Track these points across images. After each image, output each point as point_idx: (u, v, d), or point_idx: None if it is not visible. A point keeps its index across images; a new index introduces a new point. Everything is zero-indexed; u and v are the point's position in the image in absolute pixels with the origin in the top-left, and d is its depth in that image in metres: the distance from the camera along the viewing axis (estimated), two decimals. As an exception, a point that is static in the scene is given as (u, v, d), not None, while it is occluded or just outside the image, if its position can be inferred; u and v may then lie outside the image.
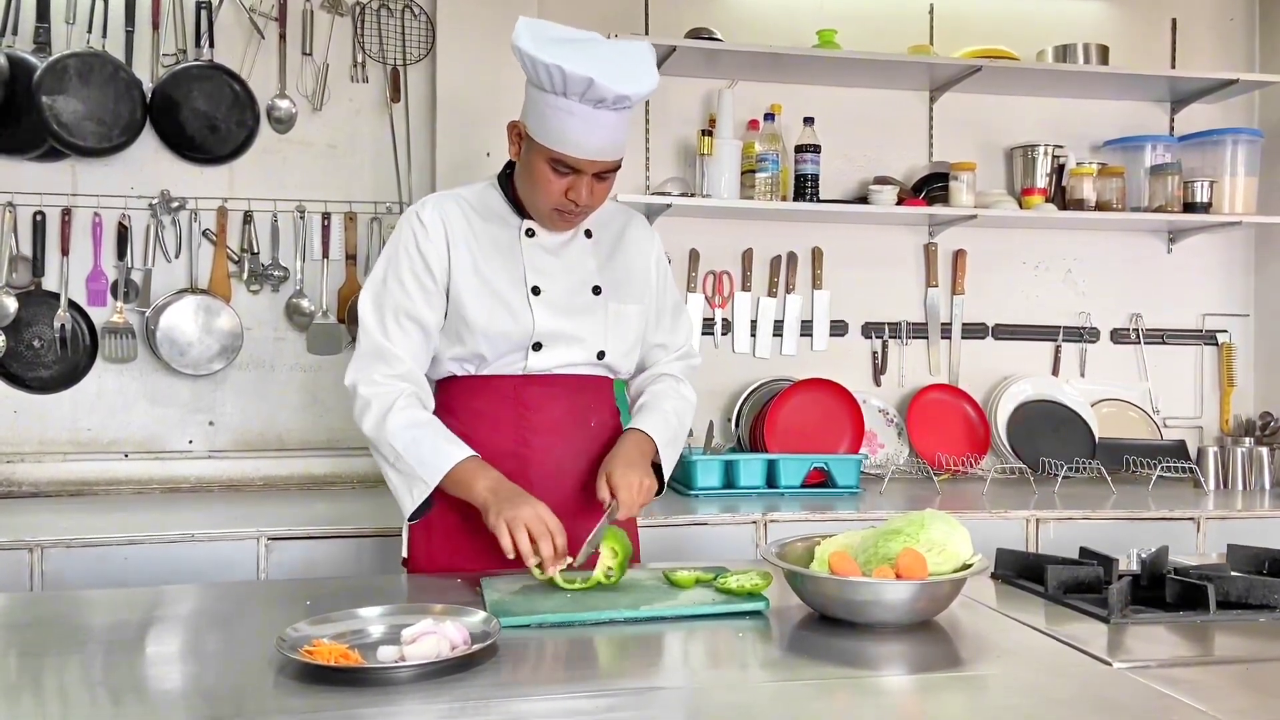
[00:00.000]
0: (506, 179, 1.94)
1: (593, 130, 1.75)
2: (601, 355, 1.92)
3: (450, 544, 1.88)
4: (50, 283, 2.96)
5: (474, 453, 1.79)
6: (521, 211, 1.91)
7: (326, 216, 3.11)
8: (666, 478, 1.95)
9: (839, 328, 3.45)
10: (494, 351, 1.86)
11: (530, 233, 1.90)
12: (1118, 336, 3.62)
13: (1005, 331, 3.56)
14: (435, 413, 1.88)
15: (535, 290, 1.87)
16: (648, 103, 3.30)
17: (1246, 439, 3.35)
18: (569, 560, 1.66)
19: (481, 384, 1.89)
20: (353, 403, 1.85)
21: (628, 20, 3.25)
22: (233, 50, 3.06)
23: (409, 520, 1.85)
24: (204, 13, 3.00)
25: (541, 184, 1.81)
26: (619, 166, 1.83)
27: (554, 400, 1.90)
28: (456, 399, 1.91)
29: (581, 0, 3.24)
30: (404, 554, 1.96)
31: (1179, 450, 3.37)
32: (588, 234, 1.96)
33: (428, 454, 1.78)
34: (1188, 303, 3.66)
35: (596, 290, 1.92)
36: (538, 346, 1.87)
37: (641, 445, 1.91)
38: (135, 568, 2.35)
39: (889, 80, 3.41)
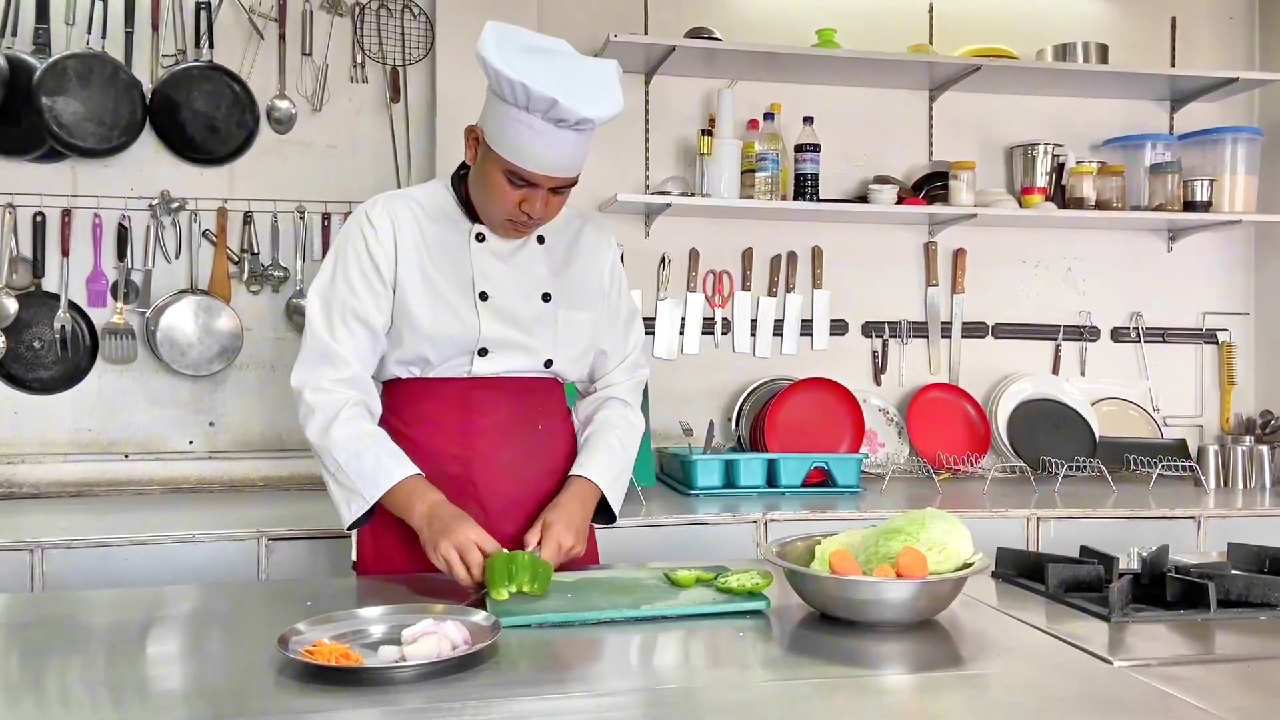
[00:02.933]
0: (459, 180, 1.90)
1: (552, 147, 1.72)
2: (549, 364, 1.89)
3: (399, 545, 1.84)
4: (50, 284, 2.96)
5: (416, 470, 1.76)
6: (473, 215, 1.88)
7: (326, 217, 3.11)
8: (617, 511, 1.93)
9: (839, 327, 3.45)
10: (439, 355, 1.84)
11: (480, 237, 1.87)
12: (1118, 335, 3.62)
13: (1005, 330, 3.56)
14: (382, 414, 1.87)
15: (483, 296, 1.84)
16: (647, 102, 3.30)
17: (1247, 437, 3.35)
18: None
19: (426, 387, 1.87)
20: (297, 406, 1.82)
21: (627, 20, 3.25)
22: (232, 51, 3.06)
23: (348, 529, 1.83)
24: (203, 13, 3.00)
25: (496, 193, 1.78)
26: (576, 181, 1.80)
27: (500, 404, 1.87)
28: (402, 401, 1.90)
29: (581, 0, 3.24)
30: (354, 557, 1.95)
31: (1179, 449, 3.37)
32: (540, 239, 1.92)
33: (369, 469, 1.75)
34: (1188, 301, 3.66)
35: (546, 297, 1.89)
36: (483, 352, 1.84)
37: (586, 500, 1.86)
38: (136, 568, 2.35)
39: (889, 79, 3.41)
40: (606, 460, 1.91)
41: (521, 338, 1.86)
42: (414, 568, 1.81)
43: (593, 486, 1.88)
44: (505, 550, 1.63)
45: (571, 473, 1.90)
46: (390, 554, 1.86)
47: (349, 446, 1.76)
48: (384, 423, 1.87)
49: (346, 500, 1.78)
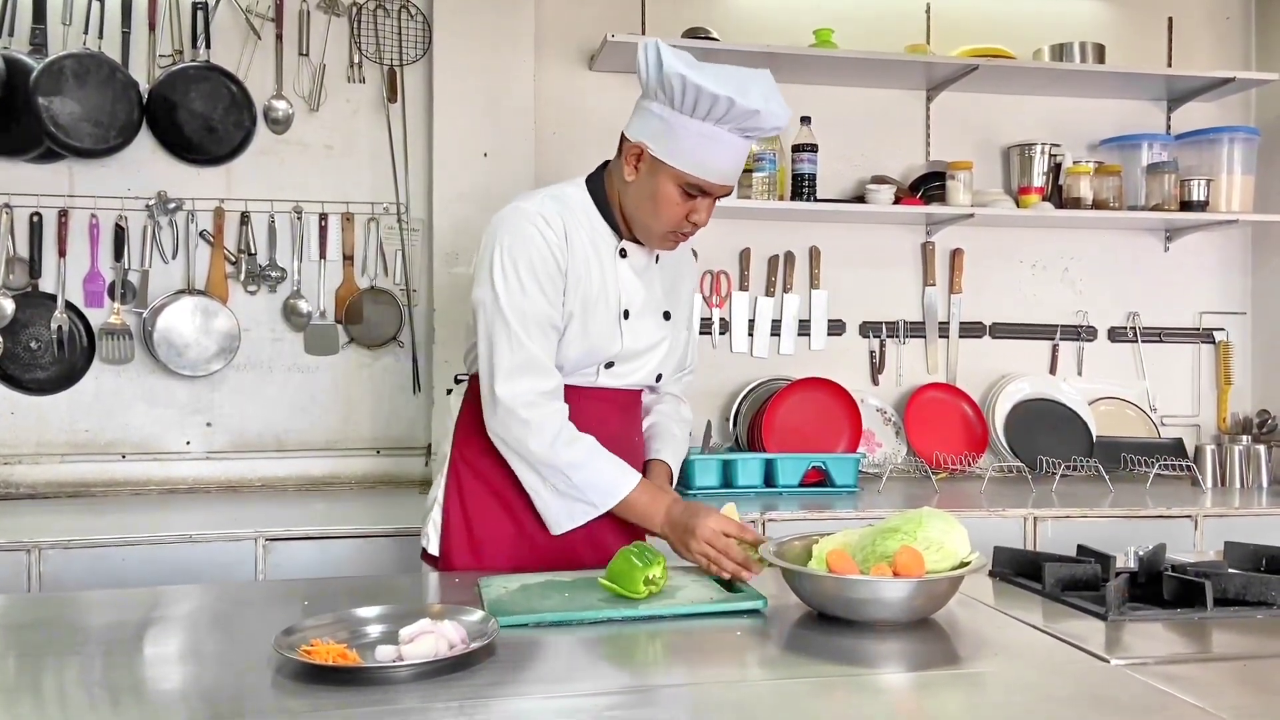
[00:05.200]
0: (596, 188, 1.91)
1: (733, 157, 1.77)
2: (659, 378, 1.98)
3: (488, 540, 1.90)
4: (47, 284, 2.96)
5: (641, 476, 1.83)
6: (613, 228, 1.90)
7: (324, 217, 3.11)
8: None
9: (836, 327, 3.46)
10: (573, 365, 1.87)
11: (623, 253, 1.90)
12: (1115, 335, 3.63)
13: (1003, 330, 3.56)
14: None
15: (626, 313, 1.89)
16: (645, 102, 3.30)
17: (1244, 437, 3.35)
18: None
19: None
20: (507, 418, 1.79)
21: (625, 20, 3.25)
22: (229, 51, 3.05)
23: (556, 534, 1.84)
24: (200, 14, 3.00)
25: (665, 207, 1.79)
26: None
27: (611, 416, 1.92)
28: None
29: (578, 0, 3.24)
30: (433, 550, 1.95)
31: (1176, 448, 3.37)
32: (656, 259, 1.97)
33: (598, 479, 1.80)
34: (1185, 301, 3.66)
35: (667, 315, 1.97)
36: (610, 365, 1.89)
37: (665, 477, 2.00)
38: (133, 569, 2.35)
39: (886, 79, 3.41)
40: (674, 448, 2.05)
41: (645, 354, 1.93)
42: (497, 569, 1.85)
43: (667, 468, 2.02)
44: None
45: (650, 457, 2.02)
46: (479, 547, 1.91)
47: (577, 460, 1.79)
48: None
49: (569, 509, 1.81)
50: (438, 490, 1.98)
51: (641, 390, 2.02)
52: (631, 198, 1.84)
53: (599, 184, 1.91)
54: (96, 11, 2.91)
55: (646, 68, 1.74)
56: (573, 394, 1.87)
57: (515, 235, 1.80)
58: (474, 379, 1.93)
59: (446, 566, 1.93)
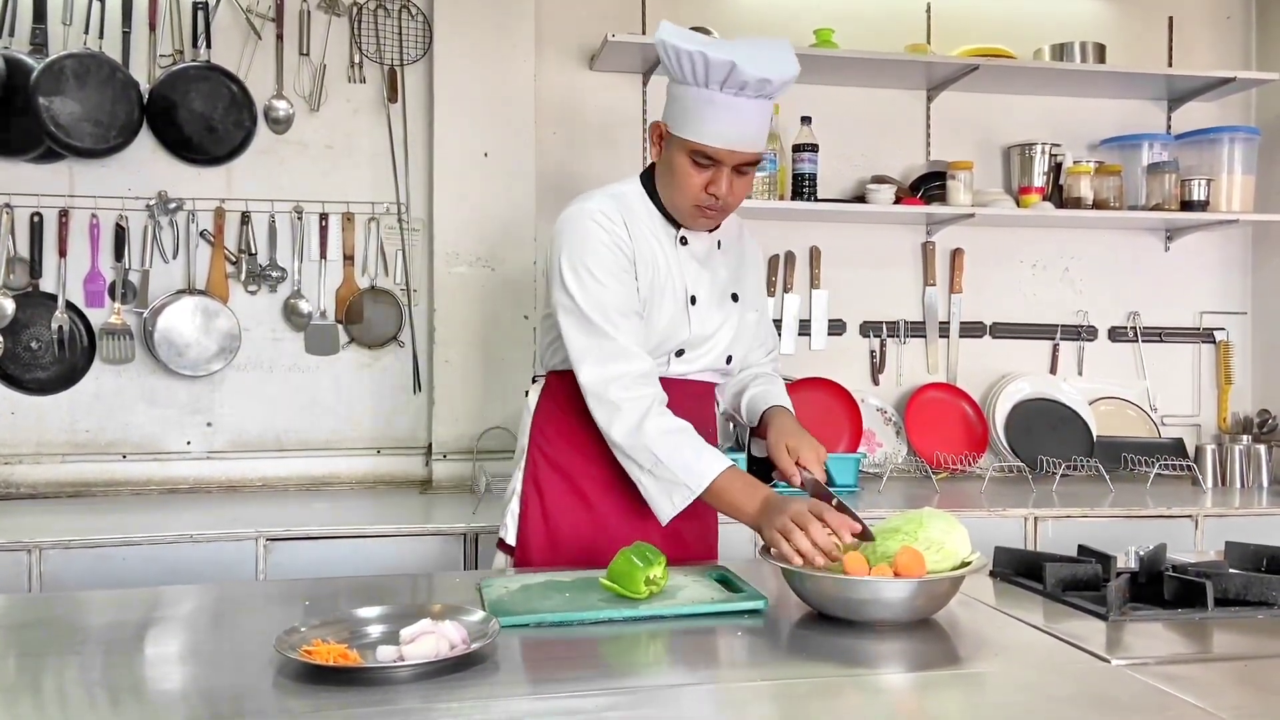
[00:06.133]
0: (650, 183, 1.93)
1: (733, 119, 1.75)
2: (729, 360, 1.98)
3: (568, 534, 1.91)
4: (48, 284, 2.96)
5: (731, 462, 1.79)
6: (670, 219, 1.92)
7: (324, 217, 3.11)
8: None
9: (837, 327, 3.46)
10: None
11: (684, 241, 1.92)
12: (1115, 335, 3.63)
13: (1003, 330, 3.56)
14: (564, 407, 1.92)
15: (693, 299, 1.90)
16: (644, 102, 3.30)
17: (1244, 436, 3.35)
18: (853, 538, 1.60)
19: None
20: (596, 404, 1.80)
21: (626, 20, 3.25)
22: (230, 51, 3.05)
23: (666, 524, 1.81)
24: (201, 13, 3.00)
25: (682, 179, 1.82)
26: (759, 161, 1.84)
27: (680, 405, 1.89)
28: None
29: (580, 2, 3.24)
30: (510, 541, 1.96)
31: (1177, 448, 3.37)
32: (719, 244, 1.99)
33: (690, 460, 1.76)
34: (1185, 301, 3.66)
35: (735, 298, 1.97)
36: (680, 352, 1.91)
37: (793, 416, 1.98)
38: (134, 569, 2.35)
39: (886, 79, 3.41)
40: (785, 401, 2.03)
41: (714, 338, 1.94)
42: (574, 559, 1.87)
43: (788, 411, 1.99)
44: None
45: (768, 407, 2.00)
46: (555, 540, 1.92)
47: (667, 441, 1.77)
48: (573, 414, 1.90)
49: (668, 493, 1.78)
50: (515, 482, 2.00)
51: (714, 383, 2.03)
52: (661, 177, 1.89)
53: (650, 178, 1.94)
54: (97, 11, 2.91)
55: (659, 50, 1.78)
56: None
57: (579, 234, 1.84)
58: (550, 376, 1.98)
59: (523, 557, 1.95)
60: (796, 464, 1.86)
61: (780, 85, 1.77)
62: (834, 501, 1.69)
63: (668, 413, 1.81)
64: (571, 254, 1.83)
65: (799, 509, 1.61)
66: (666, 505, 1.78)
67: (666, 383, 1.89)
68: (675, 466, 1.76)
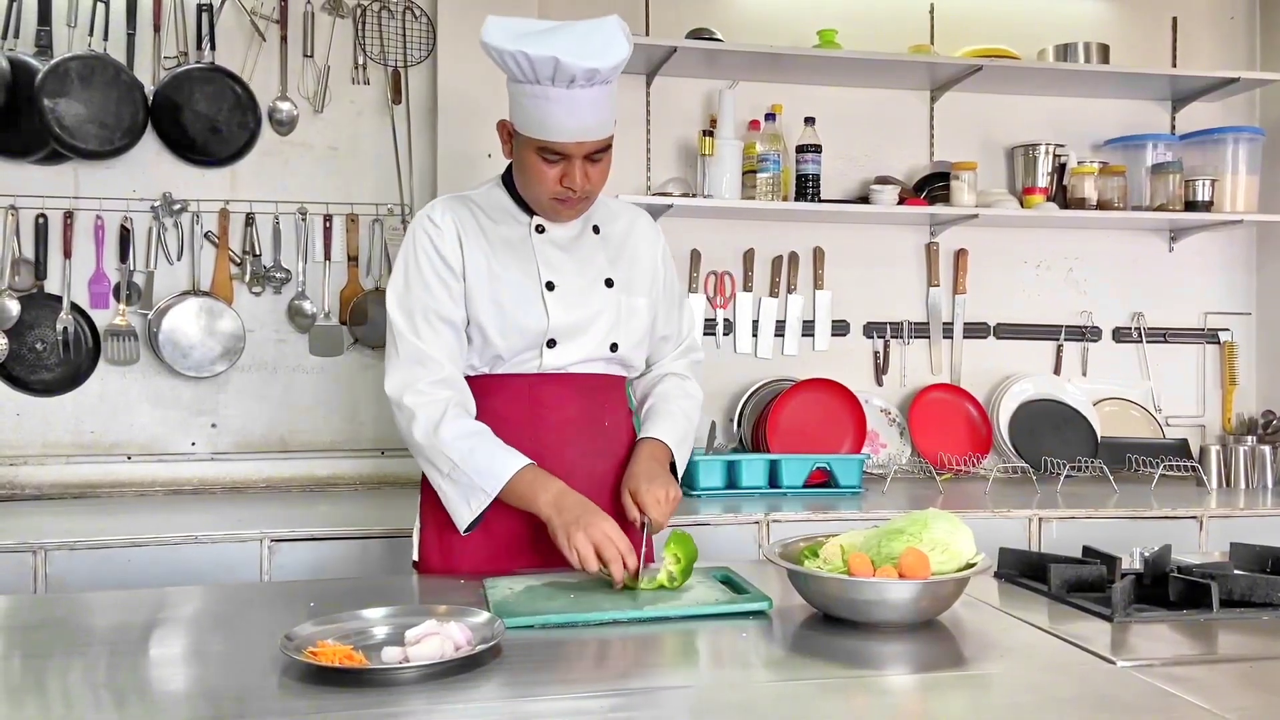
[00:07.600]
0: (510, 178, 1.93)
1: (571, 112, 1.73)
2: (614, 348, 1.92)
3: (465, 544, 1.86)
4: (53, 285, 2.97)
5: (530, 461, 1.77)
6: (528, 209, 1.91)
7: (328, 218, 3.12)
8: (681, 473, 1.96)
9: (840, 328, 3.45)
10: (510, 349, 1.86)
11: (540, 229, 1.90)
12: (1120, 335, 3.62)
13: (1007, 331, 3.56)
14: None
15: (549, 286, 1.87)
16: (648, 103, 3.30)
17: (1249, 437, 3.35)
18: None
19: (495, 384, 1.88)
20: (396, 413, 1.82)
21: (628, 21, 3.16)
22: (234, 52, 3.06)
23: (465, 531, 1.81)
24: (205, 15, 3.00)
25: (534, 175, 1.81)
26: (609, 145, 1.82)
27: (568, 400, 1.89)
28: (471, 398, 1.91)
29: (581, 0, 3.24)
30: (414, 557, 1.96)
31: (1181, 449, 3.37)
32: (595, 230, 1.96)
33: (484, 463, 1.76)
34: (1189, 301, 3.66)
35: (609, 283, 1.92)
36: (551, 343, 1.87)
37: (656, 454, 1.92)
38: (138, 570, 2.36)
39: (890, 80, 3.41)
40: (669, 424, 1.96)
41: (587, 326, 1.89)
42: (478, 567, 1.83)
43: (661, 445, 1.93)
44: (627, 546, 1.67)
45: (640, 437, 1.95)
46: (454, 552, 1.88)
47: (461, 444, 1.77)
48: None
49: (466, 498, 1.77)
50: (418, 499, 1.98)
51: (615, 375, 1.96)
52: (516, 175, 1.89)
53: (509, 175, 1.94)
54: (101, 13, 2.92)
55: (484, 51, 1.76)
56: (520, 382, 1.87)
57: (406, 241, 1.89)
58: None
59: (427, 572, 1.93)
60: (637, 506, 1.82)
61: (611, 71, 1.74)
62: (644, 540, 1.75)
63: (466, 416, 1.80)
64: (404, 254, 1.87)
65: (610, 534, 1.66)
66: (464, 511, 1.78)
67: (540, 378, 1.87)
68: (470, 470, 1.75)
